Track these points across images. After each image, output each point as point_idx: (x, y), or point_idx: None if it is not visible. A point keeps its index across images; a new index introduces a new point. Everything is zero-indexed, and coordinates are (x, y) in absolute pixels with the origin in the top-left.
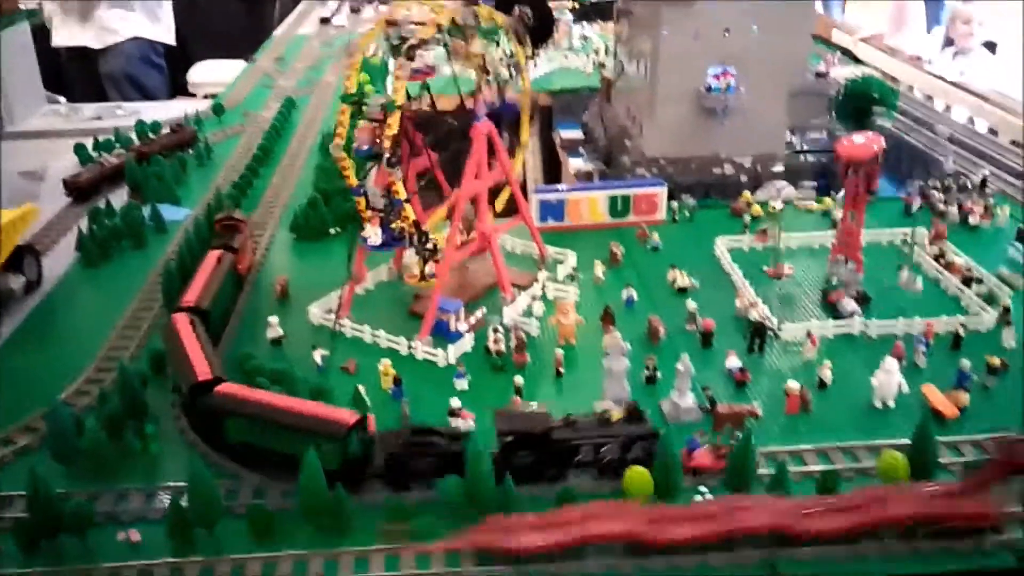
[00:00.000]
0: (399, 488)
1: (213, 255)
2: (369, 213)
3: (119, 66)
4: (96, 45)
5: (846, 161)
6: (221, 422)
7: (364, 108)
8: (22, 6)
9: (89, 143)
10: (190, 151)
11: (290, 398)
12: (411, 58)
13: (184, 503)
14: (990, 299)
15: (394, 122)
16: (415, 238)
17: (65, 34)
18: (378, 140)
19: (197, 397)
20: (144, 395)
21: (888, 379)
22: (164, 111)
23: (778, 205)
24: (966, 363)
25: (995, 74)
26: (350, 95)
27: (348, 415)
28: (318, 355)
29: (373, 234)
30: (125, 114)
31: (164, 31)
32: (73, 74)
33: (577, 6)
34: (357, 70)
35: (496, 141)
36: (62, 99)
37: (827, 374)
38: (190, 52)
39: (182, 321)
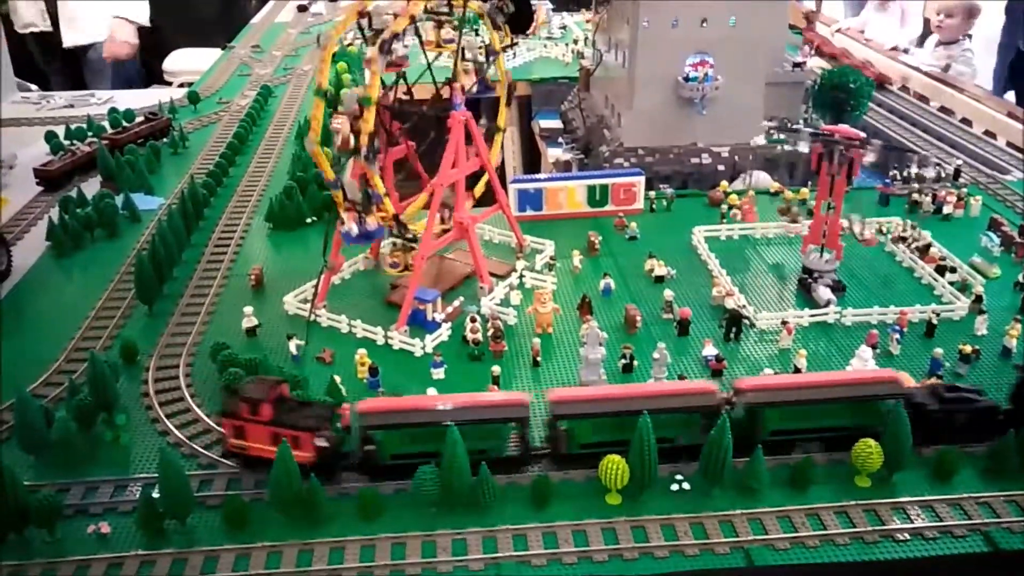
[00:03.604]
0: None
1: None
2: (346, 206)
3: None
4: (102, 38)
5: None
6: None
7: (339, 106)
8: None
9: (61, 131)
10: (164, 140)
11: None
12: (385, 51)
13: (155, 494)
14: (963, 288)
15: (370, 117)
16: (395, 230)
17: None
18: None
19: None
20: (115, 386)
21: (862, 367)
22: (138, 99)
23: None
24: (939, 351)
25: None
26: (322, 90)
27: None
28: (293, 345)
29: (352, 227)
30: (98, 102)
31: (143, 14)
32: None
33: None
34: (328, 62)
35: (474, 130)
36: (33, 87)
37: (802, 362)
38: (166, 40)
39: None
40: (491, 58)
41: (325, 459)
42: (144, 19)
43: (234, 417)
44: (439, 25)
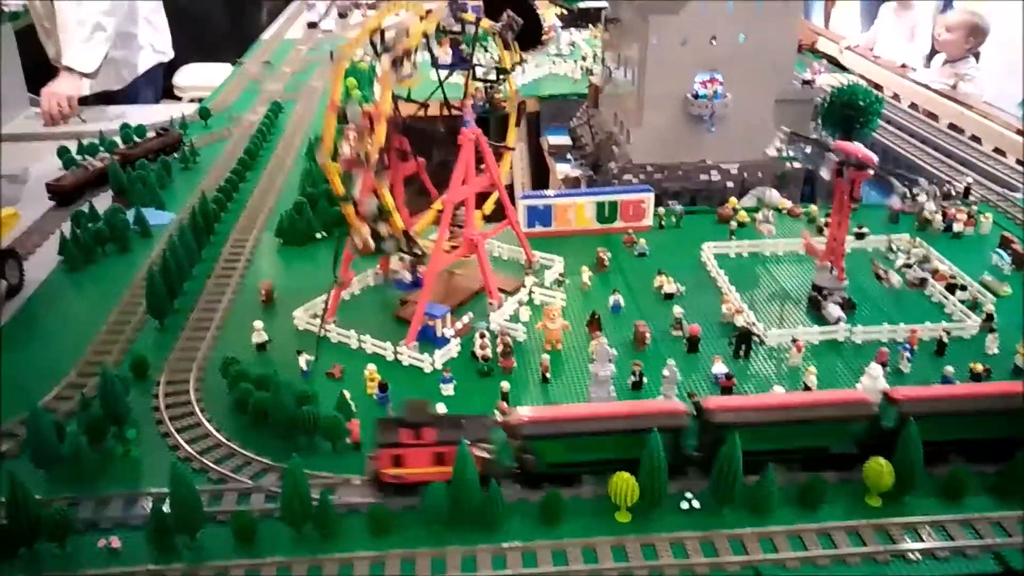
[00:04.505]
0: None
1: None
2: (400, 255)
3: (141, 97)
4: (116, 86)
5: (843, 155)
6: None
7: (348, 120)
8: (5, 8)
9: (73, 146)
10: (175, 155)
11: None
12: (397, 67)
13: (165, 509)
14: (974, 306)
15: (380, 130)
16: (403, 244)
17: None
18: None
19: None
20: (126, 400)
21: (873, 385)
22: (150, 115)
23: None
24: (950, 369)
25: (986, 81)
26: (341, 196)
27: None
28: (303, 360)
29: (405, 275)
30: (109, 117)
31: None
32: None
33: (565, 12)
34: (341, 78)
35: (484, 147)
36: None
37: (812, 380)
38: (176, 55)
39: None
40: (501, 77)
41: (489, 470)
42: (90, 67)
43: (394, 446)
44: (439, 43)
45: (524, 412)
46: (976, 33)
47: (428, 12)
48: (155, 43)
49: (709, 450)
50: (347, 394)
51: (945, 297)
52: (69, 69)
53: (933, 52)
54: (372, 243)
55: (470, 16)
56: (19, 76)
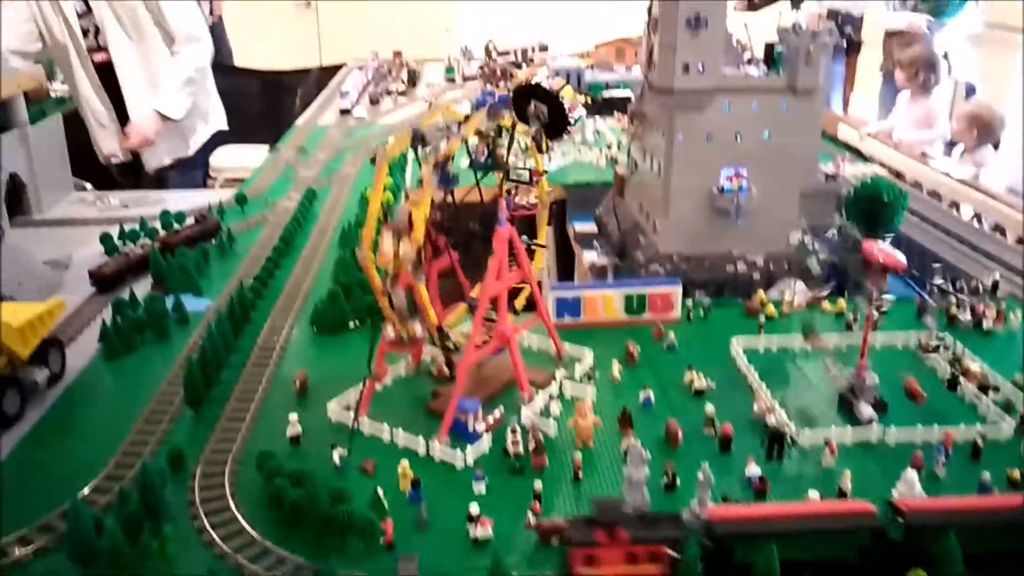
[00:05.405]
0: None
1: None
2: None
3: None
4: (181, 154)
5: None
6: None
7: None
8: (53, 94)
9: (115, 231)
10: (213, 241)
11: None
12: (439, 171)
13: None
14: (1008, 407)
15: (420, 228)
16: (436, 339)
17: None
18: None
19: None
20: (163, 494)
21: (909, 492)
22: (188, 200)
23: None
24: (987, 476)
25: (1003, 169)
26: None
27: None
28: (336, 455)
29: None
30: (150, 203)
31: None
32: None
33: (591, 101)
34: (382, 188)
35: (517, 244)
36: (88, 186)
37: (847, 483)
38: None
39: None
40: (534, 180)
41: (678, 572)
42: (180, 113)
43: (587, 545)
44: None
45: (717, 510)
46: (981, 124)
47: (466, 118)
48: (214, 113)
49: (905, 551)
50: (380, 491)
51: (978, 398)
52: (158, 115)
53: (954, 140)
54: (448, 370)
55: (507, 120)
56: (64, 161)
